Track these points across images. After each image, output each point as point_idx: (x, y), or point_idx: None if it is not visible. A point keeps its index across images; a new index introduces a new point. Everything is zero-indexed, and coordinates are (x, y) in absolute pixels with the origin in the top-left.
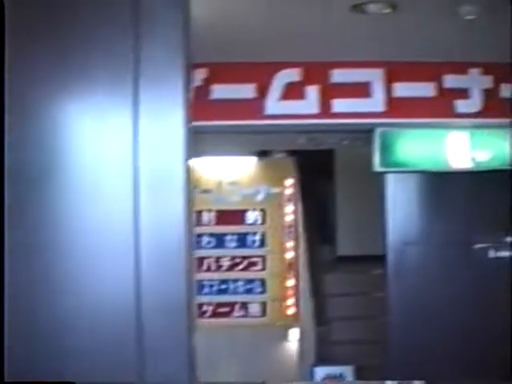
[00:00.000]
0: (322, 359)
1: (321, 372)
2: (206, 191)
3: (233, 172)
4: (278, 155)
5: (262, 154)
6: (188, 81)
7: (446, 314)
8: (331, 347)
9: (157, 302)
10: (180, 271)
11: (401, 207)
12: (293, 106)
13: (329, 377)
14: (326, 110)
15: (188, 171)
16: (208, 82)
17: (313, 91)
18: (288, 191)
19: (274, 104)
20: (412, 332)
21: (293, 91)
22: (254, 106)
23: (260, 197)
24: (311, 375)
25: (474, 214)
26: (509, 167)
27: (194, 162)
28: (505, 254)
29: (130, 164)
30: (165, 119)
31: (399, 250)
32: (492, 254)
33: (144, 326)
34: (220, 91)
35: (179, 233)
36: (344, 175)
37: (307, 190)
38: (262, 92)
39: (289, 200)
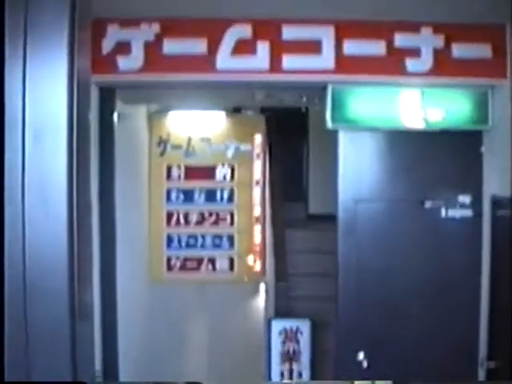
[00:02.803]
0: (284, 313)
1: (278, 325)
2: (175, 147)
3: (203, 128)
4: (248, 112)
5: (234, 110)
6: (84, 37)
7: (397, 269)
8: (293, 302)
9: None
10: (61, 220)
11: (352, 165)
12: (244, 62)
13: (285, 330)
14: (276, 66)
15: (81, 123)
16: (160, 36)
17: (263, 47)
18: (257, 148)
19: (225, 59)
20: (363, 289)
21: (244, 47)
22: (206, 61)
23: (229, 153)
24: (269, 328)
25: (425, 173)
26: (461, 127)
27: (165, 118)
28: (455, 212)
29: (19, 115)
30: (50, 72)
31: (350, 208)
32: (443, 212)
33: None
34: (172, 46)
35: (61, 184)
36: (316, 134)
37: (278, 148)
38: (214, 47)
39: (258, 157)
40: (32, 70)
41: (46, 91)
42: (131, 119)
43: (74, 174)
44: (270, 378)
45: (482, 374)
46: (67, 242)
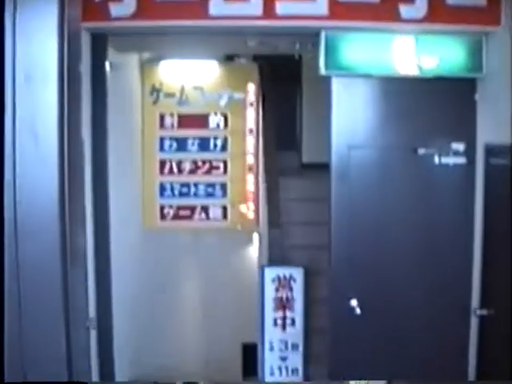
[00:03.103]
0: (277, 261)
1: (271, 272)
2: (168, 95)
3: (196, 76)
4: (241, 60)
5: (227, 59)
6: None
7: (390, 216)
8: (287, 250)
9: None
10: (52, 156)
11: (345, 111)
12: (237, 8)
13: (278, 277)
14: (269, 13)
15: (71, 68)
16: None
17: None
18: (251, 96)
19: (217, 5)
20: (355, 236)
21: None
22: (198, 7)
23: (223, 101)
24: (262, 276)
25: (419, 120)
26: (455, 75)
27: (158, 67)
28: (449, 160)
29: (9, 58)
30: (40, 21)
31: (343, 155)
32: (436, 159)
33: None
34: None
35: (51, 120)
36: (310, 82)
37: (271, 96)
38: None
39: (251, 105)
40: (22, 18)
41: (37, 38)
42: (124, 68)
43: (64, 112)
44: (263, 326)
45: (474, 321)
46: (58, 180)
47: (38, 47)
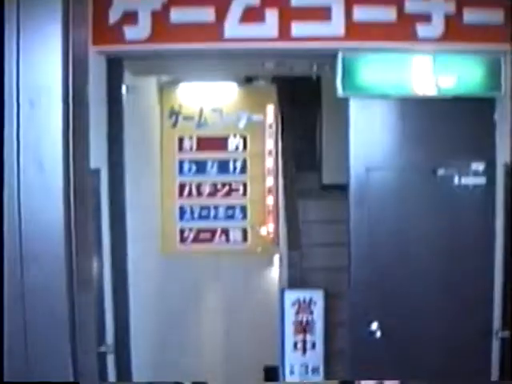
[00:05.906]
0: (297, 283)
1: (291, 295)
2: (187, 118)
3: (214, 99)
4: (260, 82)
5: (245, 81)
6: (81, 10)
7: (410, 238)
8: (307, 272)
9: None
10: (57, 182)
11: (364, 133)
12: (252, 30)
13: (298, 300)
14: (285, 34)
15: (77, 91)
16: (167, 6)
17: (272, 14)
18: (270, 118)
19: (233, 27)
20: (375, 258)
21: (252, 14)
22: (213, 30)
23: (241, 123)
24: (282, 299)
25: (437, 141)
26: (473, 94)
27: (176, 89)
28: (469, 180)
29: (13, 82)
30: (43, 45)
31: (362, 177)
32: (456, 180)
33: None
34: (179, 15)
35: (56, 147)
36: (329, 103)
37: (290, 118)
38: (221, 15)
39: (270, 127)
40: (26, 44)
41: (40, 62)
42: (142, 91)
43: (69, 139)
44: (283, 349)
45: (496, 344)
46: (63, 206)
47: (42, 71)
